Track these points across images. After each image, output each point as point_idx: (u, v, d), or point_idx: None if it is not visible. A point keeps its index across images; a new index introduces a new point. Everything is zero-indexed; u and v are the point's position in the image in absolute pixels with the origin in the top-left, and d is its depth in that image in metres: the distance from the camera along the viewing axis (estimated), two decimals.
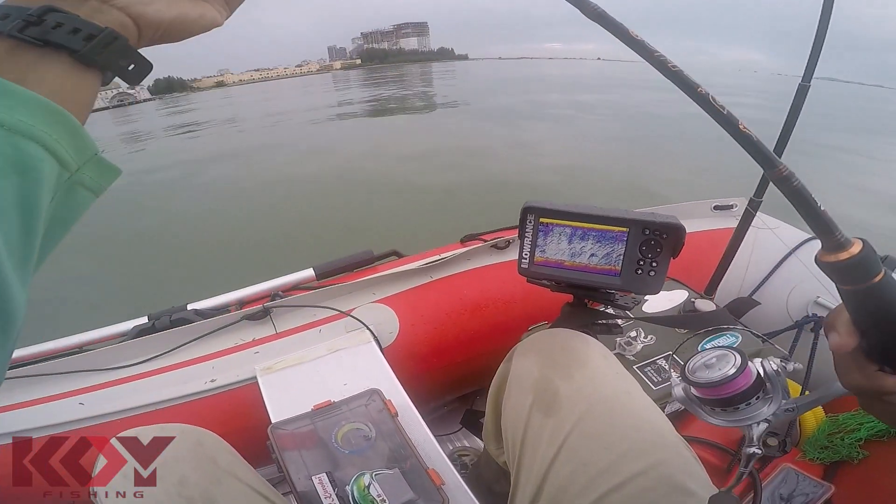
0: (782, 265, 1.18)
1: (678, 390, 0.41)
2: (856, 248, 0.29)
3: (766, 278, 1.19)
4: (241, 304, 1.04)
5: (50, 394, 0.89)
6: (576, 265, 0.75)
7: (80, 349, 1.01)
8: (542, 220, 0.72)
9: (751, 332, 0.99)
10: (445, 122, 8.93)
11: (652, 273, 0.71)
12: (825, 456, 0.92)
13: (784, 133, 0.93)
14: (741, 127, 0.30)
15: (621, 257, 0.72)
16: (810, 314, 1.07)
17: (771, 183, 0.98)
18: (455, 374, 1.10)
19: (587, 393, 0.54)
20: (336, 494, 0.67)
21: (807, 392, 0.98)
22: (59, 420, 0.84)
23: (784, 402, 0.38)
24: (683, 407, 0.89)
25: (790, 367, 0.39)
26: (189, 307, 1.01)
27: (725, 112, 0.30)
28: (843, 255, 0.30)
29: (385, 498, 0.67)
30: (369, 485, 0.69)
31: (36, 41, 0.25)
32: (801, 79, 0.91)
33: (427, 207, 3.99)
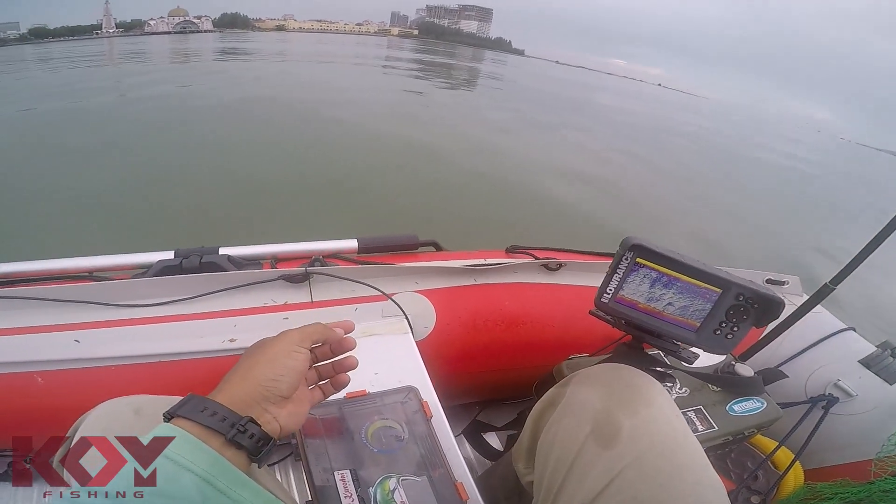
0: (815, 347, 1.21)
1: None
2: None
3: (797, 355, 1.21)
4: (276, 259, 0.98)
5: (42, 323, 0.79)
6: (649, 309, 0.72)
7: (89, 275, 0.92)
8: (638, 259, 0.68)
9: (773, 402, 1.02)
10: (490, 123, 8.78)
11: (730, 336, 0.70)
12: None
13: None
14: None
15: (702, 314, 0.70)
16: (826, 393, 1.12)
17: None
18: (475, 381, 1.07)
19: (650, 431, 0.54)
20: (357, 495, 0.63)
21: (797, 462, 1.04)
22: (46, 356, 0.75)
23: None
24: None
25: None
26: (221, 251, 0.94)
27: None
28: None
29: None
30: (394, 490, 0.65)
31: (238, 444, 0.42)
32: None
33: (470, 205, 3.91)
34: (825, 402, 1.10)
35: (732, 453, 1.10)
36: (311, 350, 0.52)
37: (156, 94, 8.09)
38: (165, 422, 0.42)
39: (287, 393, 0.48)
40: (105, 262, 0.92)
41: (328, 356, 0.55)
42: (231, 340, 0.83)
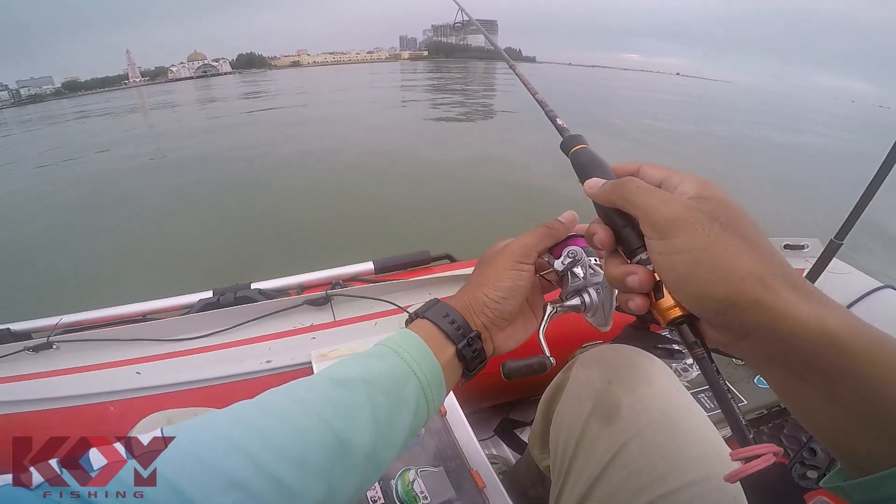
0: (850, 308, 1.15)
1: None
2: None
3: None
4: (302, 288, 1.09)
5: (109, 360, 0.92)
6: None
7: (143, 318, 1.06)
8: None
9: None
10: (502, 134, 8.89)
11: None
12: None
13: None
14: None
15: None
16: None
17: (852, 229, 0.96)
18: (497, 381, 1.10)
19: (649, 407, 0.55)
20: (381, 488, 0.69)
21: None
22: (114, 388, 0.87)
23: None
24: (731, 433, 0.89)
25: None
26: (253, 286, 1.06)
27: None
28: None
29: (428, 495, 0.69)
30: (413, 481, 0.71)
31: (463, 358, 0.43)
32: None
33: (482, 217, 4.04)
34: None
35: (785, 428, 1.06)
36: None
37: (192, 151, 8.61)
38: (411, 321, 0.45)
39: (511, 316, 0.45)
40: (155, 306, 1.05)
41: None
42: (267, 361, 0.93)
